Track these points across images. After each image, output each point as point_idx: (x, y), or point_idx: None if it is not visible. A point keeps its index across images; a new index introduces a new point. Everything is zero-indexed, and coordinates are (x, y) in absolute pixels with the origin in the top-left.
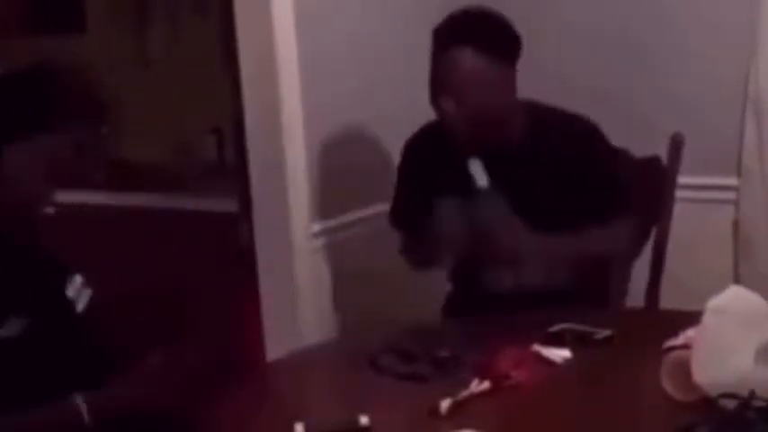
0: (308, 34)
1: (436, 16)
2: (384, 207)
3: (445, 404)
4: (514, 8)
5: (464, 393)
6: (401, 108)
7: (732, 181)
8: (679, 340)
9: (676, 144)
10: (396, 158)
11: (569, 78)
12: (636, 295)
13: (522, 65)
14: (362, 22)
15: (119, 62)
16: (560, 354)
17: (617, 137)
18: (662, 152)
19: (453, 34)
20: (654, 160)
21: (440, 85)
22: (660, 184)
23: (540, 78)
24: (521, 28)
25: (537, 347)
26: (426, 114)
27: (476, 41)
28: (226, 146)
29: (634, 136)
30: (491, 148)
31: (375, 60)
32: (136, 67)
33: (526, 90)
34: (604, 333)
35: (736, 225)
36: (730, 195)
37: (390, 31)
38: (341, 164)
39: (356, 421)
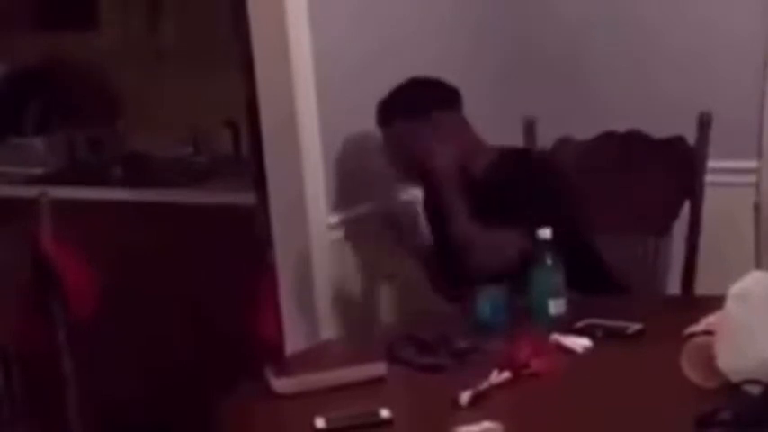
0: (322, 25)
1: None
2: (403, 197)
3: (465, 395)
4: None
5: (484, 384)
6: None
7: (752, 164)
8: (700, 326)
9: (703, 123)
10: None
11: (592, 61)
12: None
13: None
14: (377, 11)
15: (132, 57)
16: (580, 342)
17: (639, 119)
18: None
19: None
20: (677, 140)
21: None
22: (684, 164)
23: (564, 62)
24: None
25: (556, 336)
26: None
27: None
28: (241, 139)
29: (655, 118)
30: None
31: (391, 50)
32: (149, 61)
33: (551, 68)
34: (635, 327)
35: (757, 208)
36: (751, 178)
37: (406, 21)
38: (357, 154)
39: (377, 414)
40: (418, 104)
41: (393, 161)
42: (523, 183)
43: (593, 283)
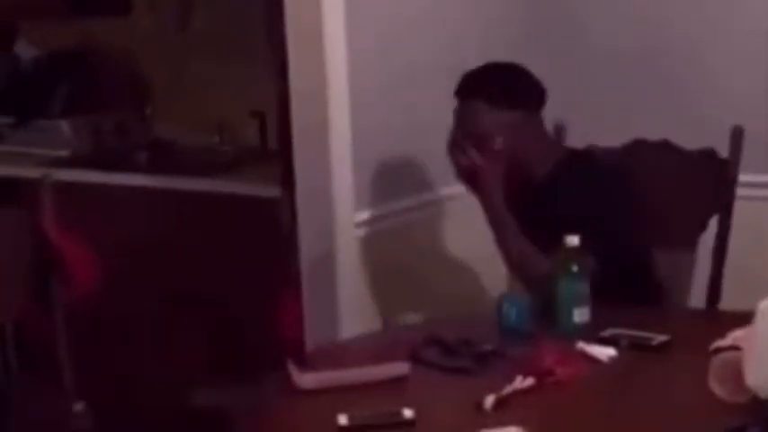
0: (357, 19)
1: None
2: (429, 197)
3: (489, 400)
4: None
5: (508, 389)
6: (451, 96)
7: None
8: (726, 341)
9: (736, 136)
10: (443, 144)
11: (628, 77)
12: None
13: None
14: (412, 6)
15: (162, 45)
16: (605, 351)
17: (669, 132)
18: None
19: (466, 89)
20: (708, 152)
21: (454, 141)
22: (716, 176)
23: (597, 75)
24: (580, 23)
25: (581, 344)
26: None
27: (486, 95)
28: (267, 130)
29: (684, 130)
30: (516, 188)
31: (424, 45)
32: (179, 49)
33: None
34: (661, 338)
35: None
36: None
37: (440, 15)
38: (386, 152)
39: (400, 414)
40: (503, 92)
41: (456, 135)
42: (585, 191)
43: (637, 296)
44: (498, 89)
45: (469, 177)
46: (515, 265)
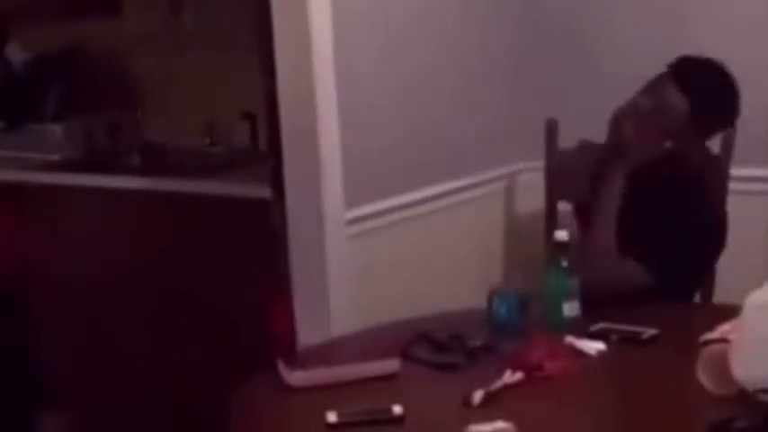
0: (344, 18)
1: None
2: (418, 194)
3: (478, 395)
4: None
5: (497, 384)
6: (439, 93)
7: (766, 172)
8: (715, 334)
9: (728, 133)
10: (432, 142)
11: (623, 74)
12: None
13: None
14: (398, 5)
15: (153, 46)
16: (594, 346)
17: None
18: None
19: (680, 77)
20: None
21: (635, 109)
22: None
23: (592, 73)
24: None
25: (570, 339)
26: (464, 101)
27: (692, 97)
28: (258, 132)
29: None
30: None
31: (413, 44)
32: (169, 51)
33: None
34: (650, 332)
35: None
36: (765, 187)
37: (428, 13)
38: (376, 150)
39: (389, 410)
40: (705, 110)
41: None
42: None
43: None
44: (705, 103)
45: (618, 149)
46: (591, 247)
